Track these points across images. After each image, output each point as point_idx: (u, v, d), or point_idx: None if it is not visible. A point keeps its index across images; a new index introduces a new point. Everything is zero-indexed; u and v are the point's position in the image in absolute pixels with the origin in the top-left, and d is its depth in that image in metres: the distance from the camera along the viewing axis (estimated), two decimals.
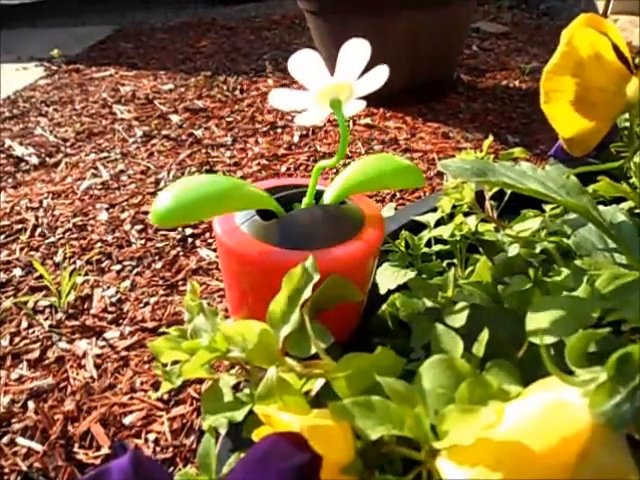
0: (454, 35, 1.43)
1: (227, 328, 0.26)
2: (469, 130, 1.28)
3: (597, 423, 0.19)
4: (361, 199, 0.40)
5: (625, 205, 0.42)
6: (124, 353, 0.68)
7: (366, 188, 0.38)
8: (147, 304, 0.76)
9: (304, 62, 0.33)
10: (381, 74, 0.36)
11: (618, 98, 0.28)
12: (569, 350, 0.22)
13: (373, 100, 1.41)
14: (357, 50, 0.34)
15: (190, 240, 0.90)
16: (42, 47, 2.18)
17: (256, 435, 0.23)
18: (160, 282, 0.81)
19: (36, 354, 0.68)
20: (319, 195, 0.39)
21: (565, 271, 0.35)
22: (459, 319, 0.32)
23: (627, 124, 0.53)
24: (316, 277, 0.28)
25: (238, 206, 0.35)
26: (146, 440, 0.57)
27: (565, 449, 0.19)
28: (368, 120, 1.35)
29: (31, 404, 0.61)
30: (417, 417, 0.22)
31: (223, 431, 0.28)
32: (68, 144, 1.31)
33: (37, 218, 0.99)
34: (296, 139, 1.27)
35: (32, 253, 0.88)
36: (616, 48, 0.28)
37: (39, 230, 0.95)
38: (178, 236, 0.91)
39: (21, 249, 0.90)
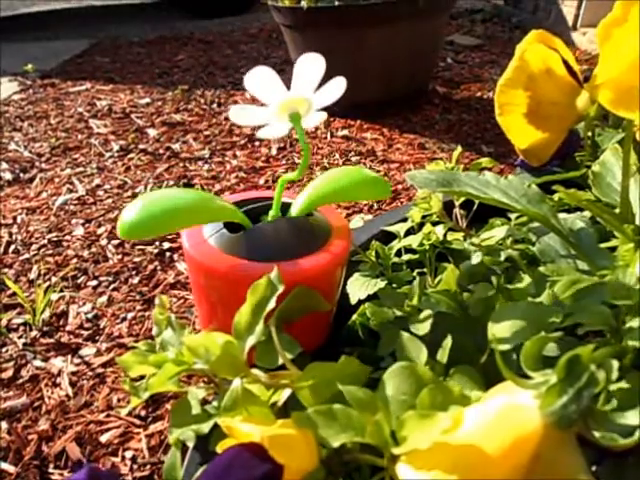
0: (429, 48, 1.45)
1: (191, 340, 0.26)
2: (445, 141, 1.30)
3: (548, 424, 0.20)
4: (329, 211, 0.41)
5: (588, 212, 0.43)
6: (100, 370, 0.67)
7: (333, 200, 0.39)
8: (124, 319, 0.76)
9: (260, 78, 0.34)
10: (339, 86, 0.37)
11: (569, 111, 0.29)
12: (524, 354, 0.23)
13: (350, 112, 1.43)
14: (312, 64, 0.35)
15: (168, 254, 0.90)
16: (16, 61, 2.16)
17: (220, 447, 0.23)
18: (137, 297, 0.80)
19: (9, 373, 0.67)
20: (287, 207, 0.39)
21: (528, 278, 0.36)
22: (423, 327, 0.33)
23: (589, 134, 0.55)
24: (280, 288, 0.29)
25: (205, 219, 0.35)
26: (123, 458, 0.57)
27: (518, 450, 0.20)
28: (346, 132, 1.37)
29: (4, 424, 0.60)
30: (378, 424, 0.22)
31: (191, 444, 0.28)
32: (43, 159, 1.29)
33: (11, 234, 0.98)
34: (274, 152, 1.27)
35: (5, 270, 0.87)
36: (566, 63, 0.29)
37: (13, 247, 0.94)
38: (155, 250, 0.90)
39: None
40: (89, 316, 0.76)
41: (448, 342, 0.29)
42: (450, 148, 1.25)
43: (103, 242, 0.94)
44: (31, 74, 2.01)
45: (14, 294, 0.79)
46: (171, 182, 1.15)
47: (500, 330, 0.29)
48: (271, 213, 0.38)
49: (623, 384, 0.24)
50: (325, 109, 0.38)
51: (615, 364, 0.20)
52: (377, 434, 0.22)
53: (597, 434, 0.21)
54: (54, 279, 0.84)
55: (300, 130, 0.37)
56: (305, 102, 0.36)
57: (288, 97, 0.35)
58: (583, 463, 0.20)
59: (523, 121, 0.30)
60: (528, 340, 0.23)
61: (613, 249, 0.35)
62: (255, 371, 0.27)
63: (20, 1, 3.95)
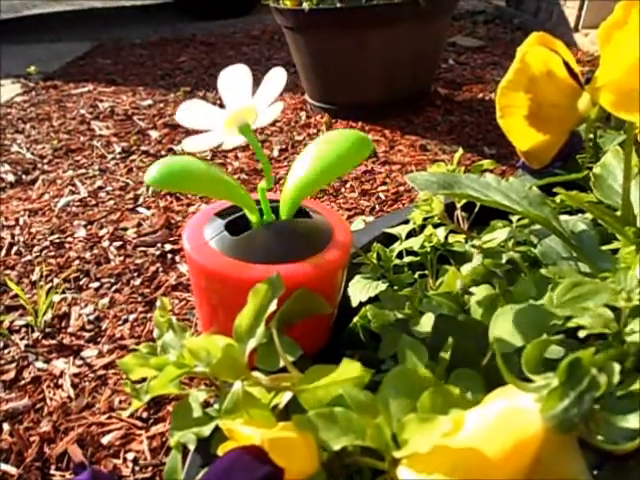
0: (431, 49, 1.45)
1: (192, 343, 0.26)
2: (446, 142, 1.30)
3: (549, 427, 0.20)
4: (330, 213, 0.41)
5: (589, 214, 0.43)
6: (102, 372, 0.67)
7: (321, 183, 0.37)
8: (126, 321, 0.76)
9: (192, 111, 0.35)
10: (278, 74, 0.37)
11: (570, 113, 0.29)
12: (525, 357, 0.23)
13: (352, 113, 1.43)
14: (237, 74, 0.36)
15: (169, 256, 0.90)
16: (19, 63, 2.17)
17: (221, 450, 0.23)
18: (139, 299, 0.80)
19: (11, 375, 0.67)
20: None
21: (530, 280, 0.36)
22: (425, 329, 0.33)
23: (591, 136, 0.55)
24: (281, 291, 0.29)
25: (221, 190, 0.36)
26: (125, 460, 0.57)
27: (519, 454, 0.20)
28: None
29: (6, 426, 0.60)
30: (378, 427, 0.22)
31: (192, 447, 0.28)
32: (45, 161, 1.30)
33: (13, 236, 0.98)
34: (275, 153, 1.28)
35: (7, 272, 0.87)
36: (567, 65, 0.29)
37: (15, 248, 0.94)
38: (157, 252, 0.91)
39: None
40: (91, 318, 0.77)
41: (449, 345, 0.29)
42: (452, 150, 1.25)
43: (105, 244, 0.94)
44: (33, 76, 2.02)
45: (16, 296, 0.79)
46: None
47: (501, 333, 0.29)
48: (265, 218, 0.38)
49: (624, 387, 0.24)
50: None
51: (617, 367, 0.20)
52: (378, 437, 0.22)
53: (598, 437, 0.21)
54: (56, 281, 0.84)
55: (253, 140, 0.37)
56: (249, 110, 0.36)
57: (227, 116, 0.36)
58: (584, 467, 0.20)
59: (524, 123, 0.30)
60: (529, 343, 0.23)
61: (615, 251, 0.35)
62: (256, 374, 0.27)
63: (22, 2, 3.97)
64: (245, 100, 0.36)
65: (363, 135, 0.36)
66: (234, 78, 0.36)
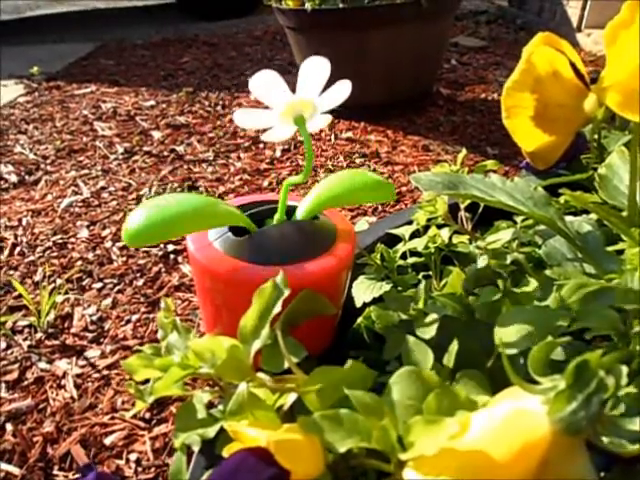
0: (433, 50, 1.45)
1: (197, 344, 0.26)
2: (449, 143, 1.30)
3: (556, 430, 0.20)
4: (334, 214, 0.41)
5: (594, 215, 0.43)
6: (105, 372, 0.67)
7: (338, 203, 0.39)
8: (129, 322, 0.76)
9: (265, 82, 0.34)
10: (344, 88, 0.37)
11: (577, 113, 0.29)
12: (531, 359, 0.22)
13: (354, 114, 1.43)
14: (318, 67, 0.35)
15: (172, 256, 0.90)
16: (22, 64, 2.17)
17: (226, 451, 0.23)
18: (142, 299, 0.80)
19: (15, 375, 0.67)
20: (292, 210, 0.39)
21: (535, 281, 0.36)
22: (429, 331, 0.32)
23: (595, 136, 0.55)
24: (286, 292, 0.29)
25: (210, 224, 0.35)
26: (127, 460, 0.57)
27: (526, 456, 0.20)
28: (350, 134, 1.37)
29: (9, 426, 0.60)
30: (384, 429, 0.22)
31: (196, 448, 0.28)
32: (48, 162, 1.30)
33: (16, 237, 0.98)
34: (278, 154, 1.28)
35: (11, 272, 0.88)
36: (573, 65, 0.29)
37: (18, 249, 0.94)
38: (160, 252, 0.91)
39: (0, 268, 0.89)
40: (94, 318, 0.77)
41: (454, 346, 0.29)
42: (454, 150, 1.25)
43: (108, 244, 0.94)
44: (36, 77, 2.02)
45: (19, 296, 0.79)
46: (175, 184, 1.15)
47: (507, 334, 0.29)
48: (276, 217, 0.38)
49: (631, 389, 0.24)
50: (330, 111, 0.38)
51: (624, 369, 0.20)
52: (384, 439, 0.22)
53: (605, 440, 0.21)
54: (59, 281, 0.84)
55: (305, 133, 0.37)
56: (310, 105, 0.36)
57: (293, 100, 0.35)
58: (591, 469, 0.20)
59: (530, 124, 0.29)
60: (535, 344, 0.23)
61: (620, 252, 0.35)
62: (261, 375, 0.27)
63: (25, 3, 3.97)
64: (311, 94, 0.36)
65: (391, 189, 0.40)
66: (315, 69, 0.35)
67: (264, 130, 0.39)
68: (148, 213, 0.32)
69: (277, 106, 0.35)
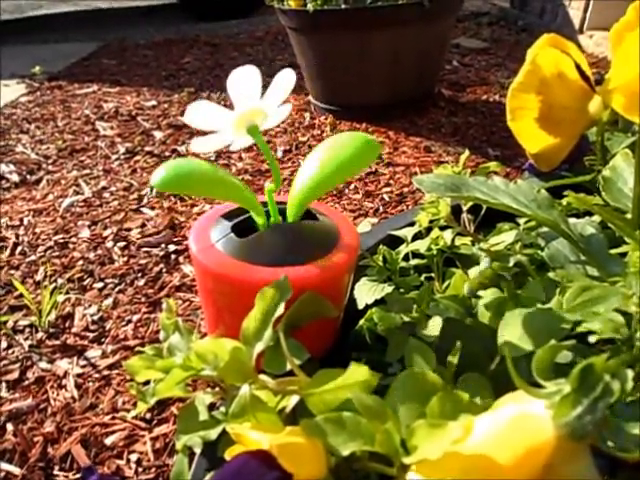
0: (435, 51, 1.45)
1: (200, 346, 0.26)
2: (450, 144, 1.29)
3: (561, 434, 0.19)
4: (336, 215, 0.41)
5: (597, 217, 0.42)
6: (106, 372, 0.67)
7: (329, 186, 0.37)
8: (129, 322, 0.76)
9: (199, 113, 0.35)
10: (287, 77, 0.37)
11: (581, 115, 0.29)
12: (535, 363, 0.22)
13: (356, 115, 1.43)
14: (246, 76, 0.37)
15: (173, 256, 0.90)
16: (24, 63, 2.18)
17: (228, 454, 0.23)
18: (143, 299, 0.80)
19: (15, 375, 0.67)
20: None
21: (538, 284, 0.36)
22: (432, 333, 0.32)
23: (598, 138, 0.55)
24: (289, 294, 0.28)
25: (229, 193, 0.36)
26: (128, 461, 0.57)
27: (530, 460, 0.20)
28: None
29: (10, 426, 0.60)
30: (387, 432, 0.22)
31: (198, 450, 0.28)
32: (50, 161, 1.30)
33: (17, 236, 0.98)
34: (280, 154, 1.27)
35: (12, 272, 0.87)
36: (578, 67, 0.29)
37: (19, 248, 0.94)
38: (161, 252, 0.91)
39: (1, 268, 0.89)
40: (95, 318, 0.77)
41: (457, 349, 0.29)
42: (456, 151, 1.25)
43: (109, 244, 0.94)
44: (38, 76, 2.02)
45: (20, 296, 0.79)
46: None
47: (510, 337, 0.29)
48: (271, 220, 0.38)
49: (636, 393, 0.24)
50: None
51: (630, 374, 0.20)
52: (387, 443, 0.22)
53: (610, 444, 0.21)
54: (60, 281, 0.84)
55: (261, 142, 0.37)
56: (257, 111, 0.36)
57: (237, 115, 0.36)
58: (596, 475, 0.20)
59: (535, 126, 0.29)
60: (539, 347, 0.23)
61: (623, 255, 0.35)
62: (263, 377, 0.27)
63: (28, 3, 3.98)
64: (254, 101, 0.36)
65: (370, 138, 0.36)
66: (243, 79, 0.36)
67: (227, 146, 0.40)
68: (177, 163, 0.34)
69: (225, 127, 0.36)
